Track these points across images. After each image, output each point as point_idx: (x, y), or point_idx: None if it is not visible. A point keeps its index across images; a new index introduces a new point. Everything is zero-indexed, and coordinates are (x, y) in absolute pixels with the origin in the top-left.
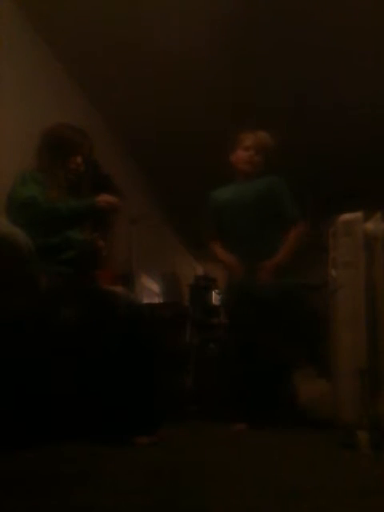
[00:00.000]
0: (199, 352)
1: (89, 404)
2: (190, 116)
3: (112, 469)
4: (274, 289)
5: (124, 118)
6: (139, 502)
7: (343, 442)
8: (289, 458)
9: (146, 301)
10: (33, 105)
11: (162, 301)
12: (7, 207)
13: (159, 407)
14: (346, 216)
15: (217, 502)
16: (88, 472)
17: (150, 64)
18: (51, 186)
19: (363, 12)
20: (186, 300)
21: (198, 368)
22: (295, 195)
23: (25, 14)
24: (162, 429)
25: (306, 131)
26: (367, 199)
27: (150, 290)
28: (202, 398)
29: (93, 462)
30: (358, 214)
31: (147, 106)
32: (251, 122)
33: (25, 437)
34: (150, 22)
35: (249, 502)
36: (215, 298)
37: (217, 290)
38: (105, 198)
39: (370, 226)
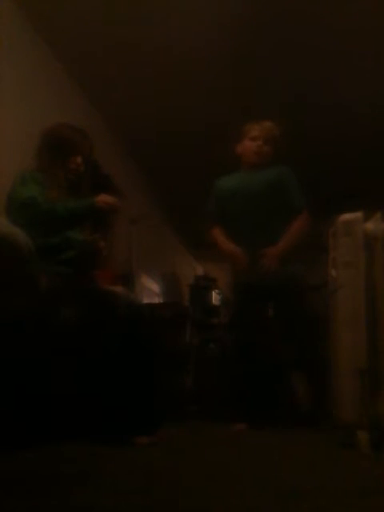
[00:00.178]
0: (199, 352)
1: (89, 404)
2: (189, 116)
3: (112, 469)
4: (276, 276)
5: (124, 118)
6: (139, 502)
7: (343, 441)
8: (289, 458)
9: (146, 301)
10: (33, 105)
11: (161, 301)
12: (7, 207)
13: (159, 407)
14: (346, 216)
15: (217, 502)
16: (88, 472)
17: (150, 64)
18: (51, 186)
19: (363, 12)
20: (186, 300)
21: (198, 368)
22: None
23: (25, 14)
24: (162, 429)
25: (305, 131)
26: (367, 199)
27: (150, 290)
28: (201, 397)
29: (93, 462)
30: (358, 214)
31: (147, 106)
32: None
33: (25, 437)
34: (150, 21)
35: (249, 502)
36: (215, 297)
37: (217, 290)
38: (104, 199)
39: (369, 226)
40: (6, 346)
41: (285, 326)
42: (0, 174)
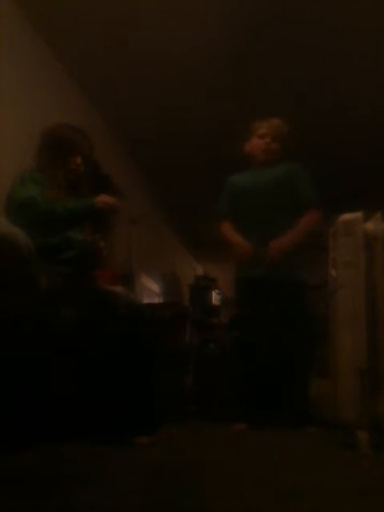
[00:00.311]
0: (199, 352)
1: (89, 404)
2: (190, 116)
3: (112, 469)
4: (278, 273)
5: (124, 118)
6: (139, 502)
7: (343, 441)
8: (289, 458)
9: (146, 301)
10: (33, 105)
11: (162, 301)
12: (6, 207)
13: (159, 407)
14: (346, 216)
15: (217, 502)
16: (88, 472)
17: (150, 64)
18: (51, 186)
19: (363, 12)
20: (186, 300)
21: (198, 368)
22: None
23: (25, 14)
24: (162, 429)
25: (305, 131)
26: (367, 199)
27: (150, 290)
28: (202, 397)
29: (93, 462)
30: (358, 214)
31: (147, 106)
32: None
33: (25, 437)
34: (150, 21)
35: (249, 502)
36: (215, 297)
37: (217, 290)
38: (103, 199)
39: (369, 226)
40: (6, 346)
41: (284, 324)
42: (0, 174)
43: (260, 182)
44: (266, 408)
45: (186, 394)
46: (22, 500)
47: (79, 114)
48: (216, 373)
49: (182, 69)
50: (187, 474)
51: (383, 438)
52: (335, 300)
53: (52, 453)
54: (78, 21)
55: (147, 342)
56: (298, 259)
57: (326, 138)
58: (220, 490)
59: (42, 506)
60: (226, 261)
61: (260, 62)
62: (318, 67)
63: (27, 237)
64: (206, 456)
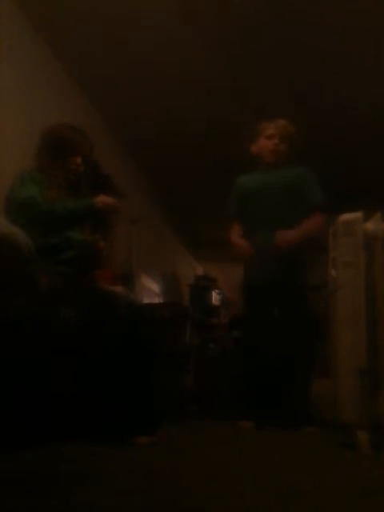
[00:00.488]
0: (199, 352)
1: (89, 404)
2: (190, 116)
3: (112, 469)
4: (281, 273)
5: (124, 118)
6: (139, 502)
7: (343, 441)
8: (289, 458)
9: (146, 301)
10: (33, 105)
11: (162, 301)
12: (6, 207)
13: (159, 407)
14: (346, 216)
15: (217, 502)
16: (88, 472)
17: (149, 64)
18: (50, 186)
19: (363, 12)
20: (186, 300)
21: (198, 368)
22: None
23: (25, 14)
24: (162, 429)
25: (305, 131)
26: (367, 199)
27: (150, 290)
28: (202, 397)
29: (93, 462)
30: (358, 214)
31: (147, 106)
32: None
33: (25, 437)
34: (150, 21)
35: (249, 502)
36: (215, 297)
37: (217, 290)
38: (103, 199)
39: (369, 226)
40: (6, 346)
41: (288, 325)
42: (0, 173)
43: (269, 184)
44: (266, 408)
45: (186, 393)
46: (22, 500)
47: (79, 114)
48: (216, 373)
49: (181, 69)
50: (187, 474)
51: (383, 438)
52: (335, 300)
53: (52, 453)
54: (77, 21)
55: (147, 342)
56: (301, 260)
57: (325, 137)
58: (220, 490)
59: (42, 506)
60: (226, 261)
61: (260, 62)
62: (318, 67)
63: (27, 237)
64: (206, 456)
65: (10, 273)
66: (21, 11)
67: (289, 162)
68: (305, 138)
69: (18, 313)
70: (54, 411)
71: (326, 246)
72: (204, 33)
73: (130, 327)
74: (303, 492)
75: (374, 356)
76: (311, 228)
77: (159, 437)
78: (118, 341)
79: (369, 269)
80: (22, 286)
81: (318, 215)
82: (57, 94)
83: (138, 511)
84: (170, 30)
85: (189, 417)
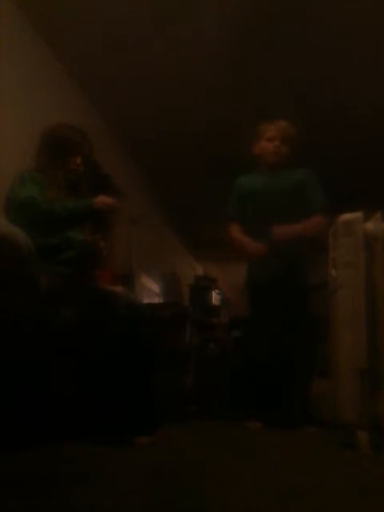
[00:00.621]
0: (199, 352)
1: (89, 404)
2: (190, 116)
3: (112, 469)
4: (283, 272)
5: (124, 118)
6: (139, 502)
7: (343, 441)
8: (289, 458)
9: (146, 301)
10: (33, 105)
11: (162, 301)
12: (6, 208)
13: (159, 407)
14: (346, 216)
15: (217, 502)
16: (88, 472)
17: (150, 64)
18: (50, 186)
19: (363, 12)
20: (186, 300)
21: (198, 368)
22: None
23: (25, 14)
24: (162, 429)
25: (305, 131)
26: (367, 199)
27: (150, 290)
28: (202, 397)
29: (93, 462)
30: (358, 214)
31: (147, 106)
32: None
33: (25, 437)
34: (150, 21)
35: (249, 502)
36: (215, 297)
37: (217, 290)
38: (102, 200)
39: (369, 226)
40: (6, 346)
41: (288, 325)
42: (0, 173)
43: (270, 186)
44: (266, 408)
45: (186, 393)
46: (22, 500)
47: (79, 114)
48: (216, 373)
49: (181, 69)
50: (187, 473)
51: (383, 438)
52: (335, 300)
53: (52, 453)
54: (77, 21)
55: (147, 342)
56: (302, 260)
57: (325, 138)
58: (220, 490)
59: (42, 506)
60: (226, 261)
61: (260, 62)
62: (318, 67)
63: (27, 237)
64: (206, 456)
65: (10, 273)
66: (21, 11)
67: (289, 163)
68: (305, 138)
69: (18, 313)
70: (54, 411)
71: (325, 246)
72: (204, 33)
73: (129, 327)
74: (303, 492)
75: (374, 356)
76: (310, 228)
77: (159, 437)
78: (117, 341)
79: (369, 269)
80: (22, 286)
81: (319, 217)
82: (57, 94)
83: (138, 511)
84: (169, 30)
85: (189, 417)
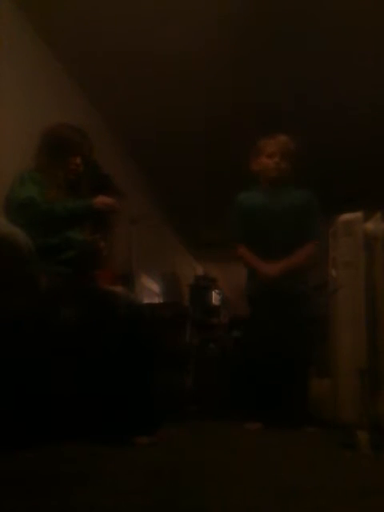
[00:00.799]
0: (199, 352)
1: (89, 404)
2: (189, 116)
3: (112, 469)
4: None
5: (124, 118)
6: (139, 502)
7: (343, 441)
8: (289, 458)
9: (146, 301)
10: (33, 105)
11: (162, 301)
12: (6, 208)
13: (159, 407)
14: (346, 216)
15: (217, 502)
16: (88, 472)
17: (150, 64)
18: (50, 187)
19: (363, 12)
20: (186, 300)
21: (198, 368)
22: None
23: (25, 14)
24: (162, 429)
25: (305, 131)
26: (367, 199)
27: (150, 290)
28: (202, 397)
29: (93, 462)
30: (358, 214)
31: (147, 106)
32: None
33: (25, 437)
34: (150, 21)
35: (249, 502)
36: (215, 297)
37: (217, 290)
38: (102, 200)
39: (369, 226)
40: (6, 346)
41: (284, 324)
42: (0, 173)
43: (272, 205)
44: (266, 408)
45: (186, 393)
46: (22, 500)
47: (79, 114)
48: (216, 373)
49: (181, 69)
50: (187, 474)
51: (383, 438)
52: (335, 300)
53: (52, 453)
54: (77, 21)
55: (147, 342)
56: (302, 276)
57: (325, 138)
58: (220, 490)
59: (42, 506)
60: (226, 261)
61: (260, 62)
62: (318, 67)
63: (27, 237)
64: (205, 456)
65: (10, 273)
66: (21, 11)
67: (290, 178)
68: (305, 138)
69: (18, 313)
70: (54, 411)
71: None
72: (204, 33)
73: (129, 327)
74: (303, 492)
75: (374, 356)
76: (303, 259)
77: (159, 437)
78: (117, 341)
79: (369, 269)
80: (22, 286)
81: (311, 246)
82: (57, 94)
83: (138, 511)
84: (169, 29)
85: (189, 417)
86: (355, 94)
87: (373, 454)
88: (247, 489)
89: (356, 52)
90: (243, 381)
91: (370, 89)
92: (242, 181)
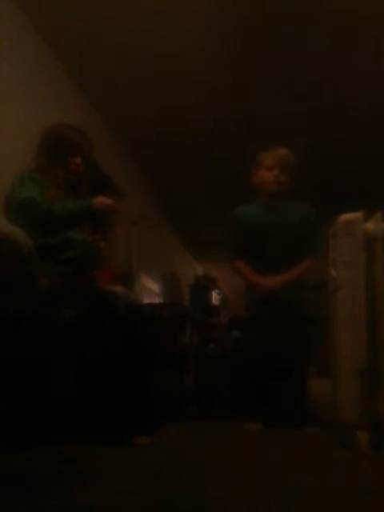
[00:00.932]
0: (199, 352)
1: (89, 404)
2: (190, 116)
3: (112, 469)
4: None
5: (124, 118)
6: (139, 502)
7: (343, 441)
8: (289, 458)
9: (146, 301)
10: (33, 105)
11: (162, 301)
12: (6, 208)
13: (159, 407)
14: (346, 216)
15: (217, 502)
16: (88, 472)
17: (150, 64)
18: (50, 187)
19: (363, 12)
20: (186, 300)
21: (198, 368)
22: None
23: (25, 14)
24: (162, 429)
25: (305, 131)
26: (367, 199)
27: (150, 290)
28: (202, 397)
29: (93, 462)
30: (358, 214)
31: (147, 106)
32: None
33: (25, 437)
34: (150, 21)
35: (249, 502)
36: (215, 297)
37: (217, 290)
38: (101, 200)
39: (369, 226)
40: (6, 346)
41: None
42: (0, 173)
43: (271, 220)
44: (266, 408)
45: (186, 393)
46: (22, 500)
47: (79, 114)
48: (216, 373)
49: (181, 69)
50: (187, 474)
51: (383, 438)
52: (335, 300)
53: (52, 453)
54: (77, 21)
55: (147, 342)
56: (301, 288)
57: (326, 138)
58: (220, 490)
59: (42, 506)
60: (226, 261)
61: (260, 62)
62: (318, 67)
63: (27, 237)
64: (205, 456)
65: (10, 273)
66: (21, 11)
67: (289, 191)
68: (305, 138)
69: (18, 313)
70: (54, 411)
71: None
72: (204, 33)
73: (129, 327)
74: (303, 492)
75: (374, 356)
76: (301, 273)
77: (159, 437)
78: (117, 341)
79: (369, 269)
80: (22, 286)
81: (310, 261)
82: (57, 94)
83: (138, 511)
84: (169, 29)
85: (189, 417)
86: (355, 94)
87: (373, 453)
88: (247, 489)
89: (356, 52)
90: (243, 381)
91: (370, 89)
92: (241, 181)
